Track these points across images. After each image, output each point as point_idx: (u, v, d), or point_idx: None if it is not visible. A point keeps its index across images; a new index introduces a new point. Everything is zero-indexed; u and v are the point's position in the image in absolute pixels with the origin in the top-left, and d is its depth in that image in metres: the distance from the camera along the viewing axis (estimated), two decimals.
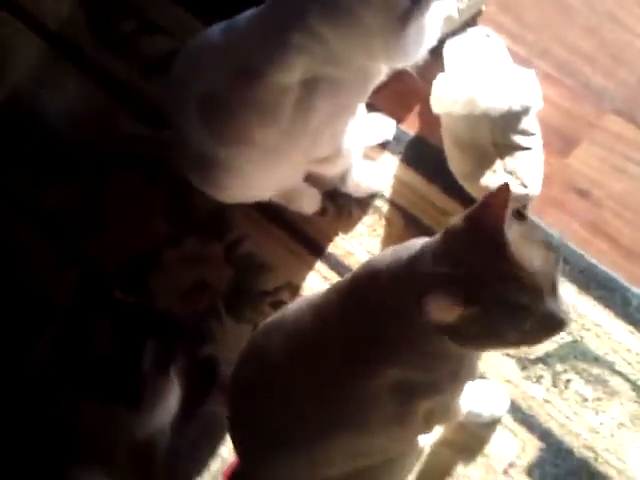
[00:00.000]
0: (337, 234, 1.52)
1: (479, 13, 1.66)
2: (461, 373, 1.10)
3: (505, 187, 0.93)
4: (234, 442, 1.24)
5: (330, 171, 1.47)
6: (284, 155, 1.35)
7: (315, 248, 1.51)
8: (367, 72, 1.30)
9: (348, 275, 1.11)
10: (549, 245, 0.97)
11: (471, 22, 1.64)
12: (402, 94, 1.60)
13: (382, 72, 1.33)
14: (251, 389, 1.18)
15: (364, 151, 1.52)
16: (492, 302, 0.93)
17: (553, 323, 0.95)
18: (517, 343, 0.99)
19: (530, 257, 0.94)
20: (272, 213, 1.55)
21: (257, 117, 1.29)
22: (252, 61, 1.26)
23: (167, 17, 1.76)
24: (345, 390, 1.07)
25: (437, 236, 1.00)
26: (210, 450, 1.41)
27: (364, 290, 1.06)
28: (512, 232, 0.95)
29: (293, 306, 1.18)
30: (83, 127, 1.67)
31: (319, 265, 1.50)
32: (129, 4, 1.79)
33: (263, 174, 1.38)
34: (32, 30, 1.79)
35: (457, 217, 0.98)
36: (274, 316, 1.21)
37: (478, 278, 0.93)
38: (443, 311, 0.92)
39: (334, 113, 1.32)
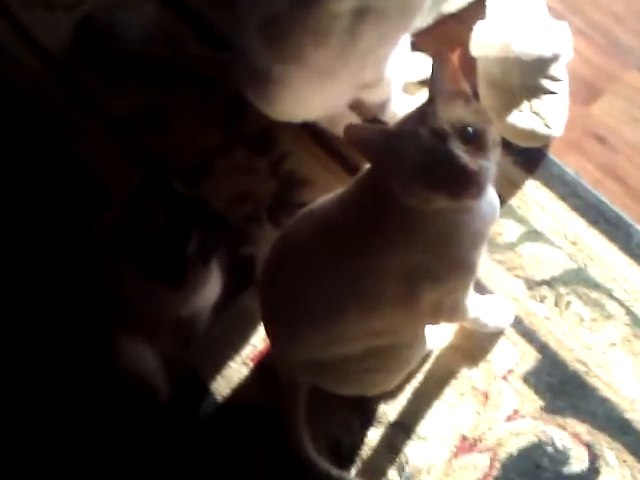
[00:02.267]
0: None
1: None
2: (457, 262, 1.21)
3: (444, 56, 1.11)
4: (264, 324, 1.38)
5: (372, 98, 1.61)
6: (332, 77, 1.49)
7: (351, 167, 1.63)
8: (410, 6, 1.43)
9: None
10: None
11: None
12: (445, 38, 1.73)
13: (424, 9, 1.46)
14: (280, 269, 1.30)
15: (404, 86, 1.65)
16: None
17: (453, 165, 1.06)
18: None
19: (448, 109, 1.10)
20: (315, 134, 1.69)
21: (311, 38, 1.42)
22: None
23: None
24: (360, 268, 1.19)
25: None
26: (242, 337, 1.54)
27: (378, 181, 1.17)
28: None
29: (323, 197, 1.31)
30: (154, 44, 1.83)
31: None
32: None
33: (312, 93, 1.52)
34: None
35: None
36: (307, 207, 1.34)
37: None
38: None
39: (379, 40, 1.45)
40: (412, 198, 1.11)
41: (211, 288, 1.45)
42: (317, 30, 1.41)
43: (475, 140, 1.08)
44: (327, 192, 1.31)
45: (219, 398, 1.50)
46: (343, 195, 1.25)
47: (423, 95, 1.62)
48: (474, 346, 1.49)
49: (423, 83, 1.70)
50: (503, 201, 1.56)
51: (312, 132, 1.70)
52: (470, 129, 1.08)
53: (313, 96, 1.54)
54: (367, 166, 1.22)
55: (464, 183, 1.07)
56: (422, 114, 1.11)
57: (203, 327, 1.47)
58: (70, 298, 1.36)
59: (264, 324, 1.39)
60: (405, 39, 1.53)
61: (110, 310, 1.34)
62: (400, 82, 1.62)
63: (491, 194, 1.22)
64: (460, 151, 1.07)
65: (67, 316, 1.35)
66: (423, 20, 1.65)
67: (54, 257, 1.48)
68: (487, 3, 1.70)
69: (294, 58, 1.45)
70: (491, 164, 1.09)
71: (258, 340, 1.54)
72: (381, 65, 1.51)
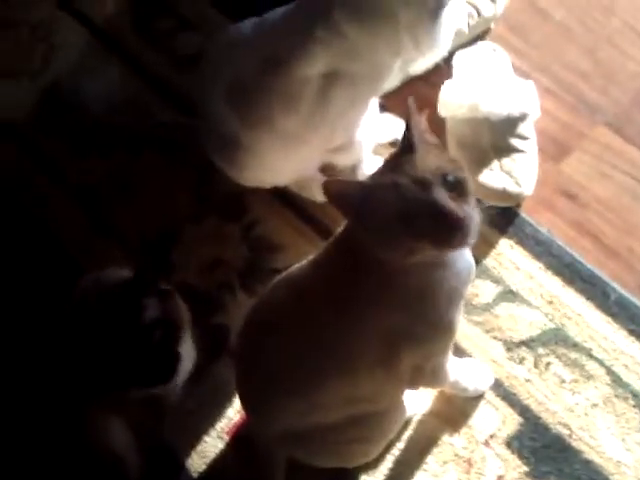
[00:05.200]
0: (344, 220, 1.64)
1: (488, 30, 1.79)
2: (435, 321, 1.18)
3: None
4: (240, 395, 1.33)
5: (343, 161, 1.59)
6: (302, 143, 1.48)
7: (324, 232, 1.61)
8: (381, 69, 1.43)
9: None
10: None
11: (480, 37, 1.77)
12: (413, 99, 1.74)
13: (394, 71, 1.46)
14: (256, 340, 1.27)
15: (375, 148, 1.63)
16: None
17: (439, 212, 1.04)
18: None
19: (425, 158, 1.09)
20: (286, 198, 1.67)
21: (279, 105, 1.41)
22: (278, 53, 1.38)
23: (199, 14, 1.92)
24: (337, 333, 1.17)
25: None
26: (217, 410, 1.50)
27: (352, 241, 1.15)
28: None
29: (298, 264, 1.28)
30: (120, 112, 1.81)
31: None
32: (168, 2, 1.95)
33: (281, 159, 1.50)
34: (79, 24, 1.96)
35: None
36: (280, 275, 1.30)
37: None
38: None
39: (349, 105, 1.45)
40: (393, 251, 1.09)
41: (184, 362, 1.41)
42: (286, 96, 1.41)
43: (456, 187, 1.07)
44: (300, 257, 1.29)
45: (194, 474, 1.45)
46: (316, 260, 1.23)
47: None
48: (454, 411, 1.46)
49: (393, 144, 1.70)
50: (478, 261, 1.53)
51: (283, 197, 1.68)
52: (451, 177, 1.07)
53: (283, 161, 1.52)
54: (340, 229, 1.21)
55: (452, 230, 1.05)
56: (397, 164, 1.10)
57: (175, 399, 1.43)
58: (42, 368, 1.33)
59: (240, 395, 1.35)
60: (374, 102, 1.53)
61: (80, 383, 1.30)
62: (370, 144, 1.61)
63: (466, 251, 1.21)
64: (446, 198, 1.05)
65: (39, 388, 1.31)
66: (391, 82, 1.65)
67: (25, 328, 1.46)
68: (453, 63, 1.71)
69: (263, 124, 1.44)
70: (474, 211, 1.08)
71: (233, 412, 1.50)
72: (351, 129, 1.50)
